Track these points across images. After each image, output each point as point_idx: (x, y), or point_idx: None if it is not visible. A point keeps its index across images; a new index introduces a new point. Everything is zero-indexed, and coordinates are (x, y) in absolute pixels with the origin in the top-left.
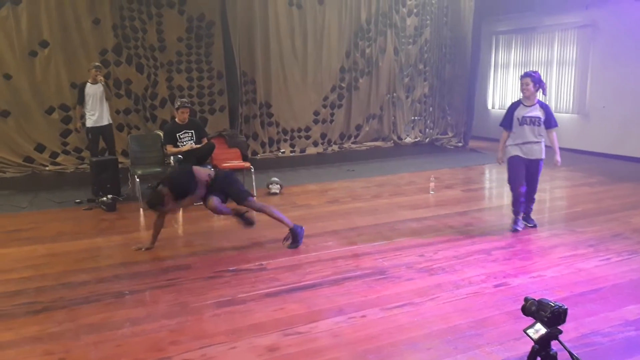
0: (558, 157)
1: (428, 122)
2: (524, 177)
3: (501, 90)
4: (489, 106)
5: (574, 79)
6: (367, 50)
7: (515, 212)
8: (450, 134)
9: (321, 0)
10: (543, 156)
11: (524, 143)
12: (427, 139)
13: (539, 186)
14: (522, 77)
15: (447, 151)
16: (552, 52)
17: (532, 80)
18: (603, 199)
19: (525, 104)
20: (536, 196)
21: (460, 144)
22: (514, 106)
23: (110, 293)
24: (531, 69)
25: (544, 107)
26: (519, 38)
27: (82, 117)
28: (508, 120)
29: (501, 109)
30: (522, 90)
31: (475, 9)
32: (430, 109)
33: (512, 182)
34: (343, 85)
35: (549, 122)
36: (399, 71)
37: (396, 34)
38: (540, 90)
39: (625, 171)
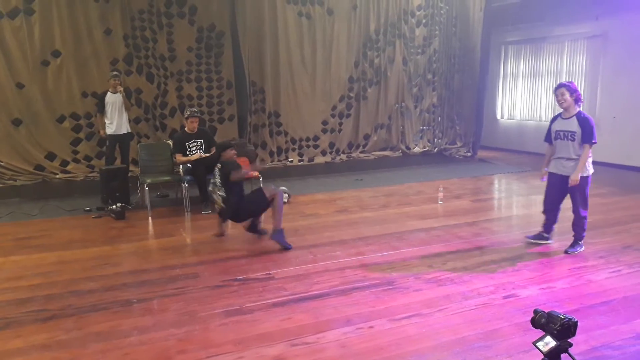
0: (574, 176)
1: (437, 131)
2: (558, 195)
3: (510, 101)
4: (498, 116)
5: (584, 89)
6: (376, 60)
7: (544, 226)
8: (459, 144)
9: (330, 11)
10: (582, 174)
11: (558, 158)
12: (436, 149)
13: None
14: (556, 89)
15: (456, 161)
16: (561, 63)
17: (568, 90)
18: (613, 210)
19: (564, 116)
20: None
21: (469, 154)
22: (553, 119)
23: (118, 301)
24: (540, 79)
25: (581, 120)
26: (528, 48)
27: (103, 125)
28: (548, 133)
29: (510, 119)
30: (559, 102)
31: (485, 19)
32: (439, 118)
33: (544, 198)
34: (352, 95)
35: (583, 136)
36: (407, 81)
37: (405, 44)
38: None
39: (636, 182)
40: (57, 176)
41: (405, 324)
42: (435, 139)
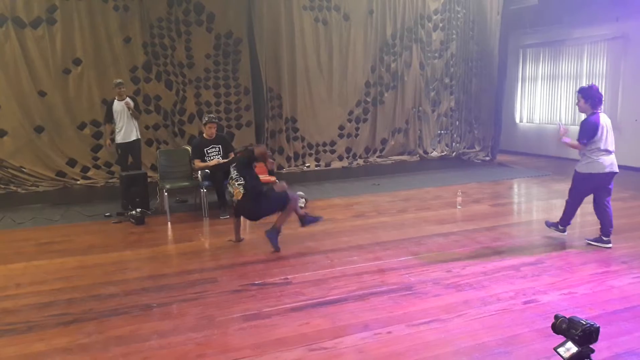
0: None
1: (454, 136)
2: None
3: (529, 104)
4: (517, 120)
5: (605, 92)
6: (393, 65)
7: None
8: (478, 148)
9: (346, 16)
10: (577, 168)
11: None
12: (454, 153)
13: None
14: (577, 93)
15: (474, 165)
16: (581, 65)
17: (583, 97)
18: (636, 214)
19: None
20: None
21: (487, 158)
22: None
23: (138, 305)
24: (560, 82)
25: (583, 121)
26: (547, 51)
27: (112, 133)
28: None
29: (529, 122)
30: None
31: (502, 23)
32: (457, 122)
33: None
34: (368, 99)
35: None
36: (424, 85)
37: (422, 49)
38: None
39: None
40: (78, 182)
41: (424, 330)
42: (454, 143)
